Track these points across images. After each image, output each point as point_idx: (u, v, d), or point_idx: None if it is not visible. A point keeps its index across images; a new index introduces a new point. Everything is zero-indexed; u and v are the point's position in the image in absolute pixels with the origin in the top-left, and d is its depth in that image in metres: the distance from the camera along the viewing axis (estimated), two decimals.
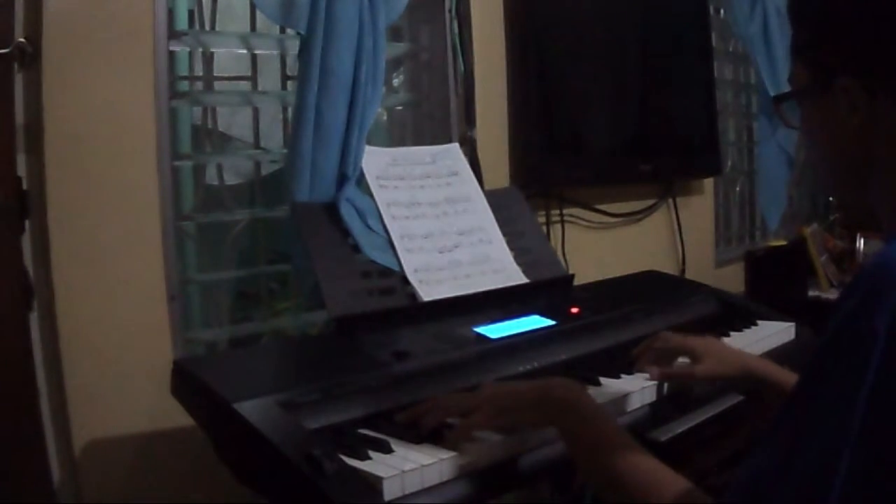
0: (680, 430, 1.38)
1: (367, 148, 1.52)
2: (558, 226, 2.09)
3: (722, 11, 2.83)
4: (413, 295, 1.41)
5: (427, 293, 1.41)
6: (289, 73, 1.72)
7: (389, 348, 1.20)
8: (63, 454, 1.32)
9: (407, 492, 0.91)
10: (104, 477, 1.34)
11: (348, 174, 1.47)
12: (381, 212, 1.47)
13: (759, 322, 1.60)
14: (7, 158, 1.28)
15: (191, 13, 1.68)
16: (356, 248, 1.41)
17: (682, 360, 1.28)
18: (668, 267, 2.41)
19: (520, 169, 1.99)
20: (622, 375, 1.27)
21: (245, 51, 1.66)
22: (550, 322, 1.40)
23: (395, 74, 1.97)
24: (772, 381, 1.18)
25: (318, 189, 1.46)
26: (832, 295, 2.85)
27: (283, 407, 0.99)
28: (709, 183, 2.70)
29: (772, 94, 2.61)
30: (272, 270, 1.70)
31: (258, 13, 1.65)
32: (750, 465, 0.71)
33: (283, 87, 1.73)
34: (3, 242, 1.28)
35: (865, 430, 0.63)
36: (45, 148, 1.28)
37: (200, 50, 1.60)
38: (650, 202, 2.41)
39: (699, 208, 2.64)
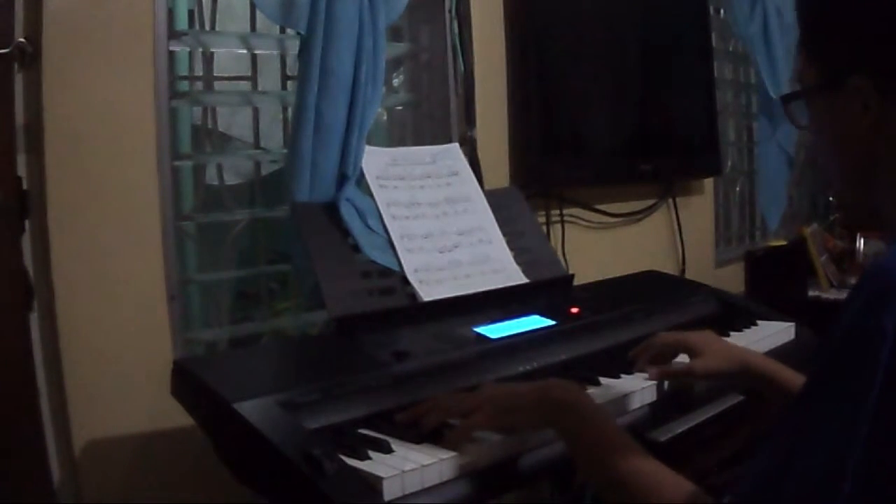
0: (680, 430, 1.38)
1: (367, 148, 1.52)
2: (558, 226, 2.09)
3: (722, 11, 2.83)
4: (413, 295, 1.41)
5: (427, 293, 1.41)
6: (289, 73, 1.72)
7: (389, 348, 1.20)
8: (63, 454, 1.32)
9: (407, 492, 0.91)
10: (104, 477, 1.34)
11: (348, 174, 1.47)
12: (381, 212, 1.47)
13: (759, 322, 1.60)
14: (7, 158, 1.28)
15: (191, 13, 1.68)
16: (356, 248, 1.41)
17: (680, 358, 1.28)
18: (668, 267, 2.41)
19: (520, 169, 1.99)
20: (622, 375, 1.26)
21: (245, 51, 1.66)
22: (550, 322, 1.40)
23: (395, 74, 1.97)
24: (771, 377, 1.17)
25: (318, 189, 1.46)
26: (832, 295, 2.85)
27: (283, 407, 0.99)
28: (709, 183, 2.70)
29: (772, 94, 2.62)
30: (272, 270, 1.70)
31: (258, 13, 1.65)
32: (756, 464, 0.71)
33: (283, 87, 1.73)
34: (3, 242, 1.28)
35: (875, 429, 0.63)
36: (45, 148, 1.28)
37: (200, 50, 1.60)
38: (650, 202, 2.41)
39: (699, 208, 2.64)
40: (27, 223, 1.30)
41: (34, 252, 1.31)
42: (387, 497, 0.89)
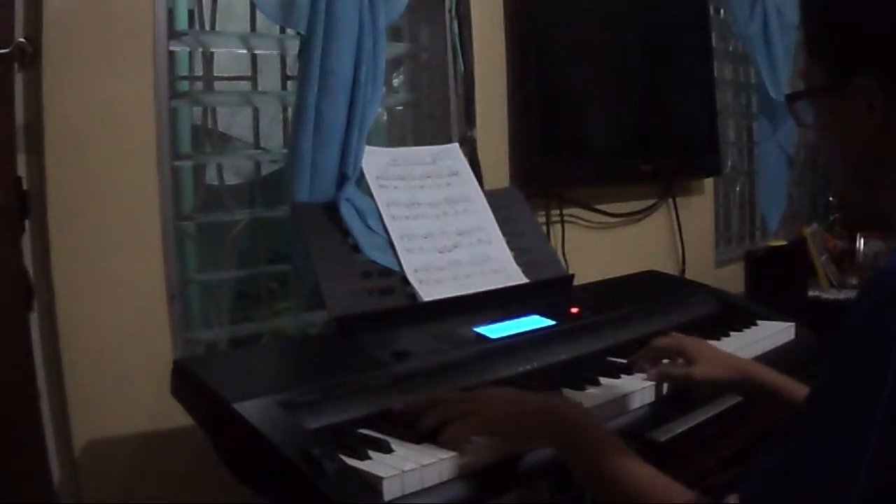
0: (680, 430, 1.38)
1: (367, 148, 1.52)
2: (558, 226, 2.09)
3: (722, 11, 2.83)
4: (413, 295, 1.41)
5: (427, 293, 1.41)
6: (289, 73, 1.72)
7: (389, 348, 1.20)
8: (63, 454, 1.32)
9: (407, 492, 0.91)
10: (104, 477, 1.34)
11: (348, 174, 1.47)
12: (381, 212, 1.47)
13: (759, 322, 1.60)
14: (7, 158, 1.28)
15: (191, 13, 1.68)
16: (356, 248, 1.41)
17: (679, 362, 1.28)
18: (668, 267, 2.41)
19: (520, 169, 1.99)
20: (622, 375, 1.26)
21: (245, 51, 1.66)
22: (550, 322, 1.40)
23: (395, 74, 1.97)
24: (768, 385, 1.18)
25: (318, 189, 1.46)
26: (832, 295, 2.85)
27: (283, 407, 0.99)
28: (709, 183, 2.70)
29: (772, 94, 2.62)
30: (272, 270, 1.70)
31: (258, 13, 1.65)
32: (764, 465, 0.71)
33: (283, 87, 1.73)
34: (3, 242, 1.28)
35: (885, 432, 0.64)
36: (45, 148, 1.28)
37: (200, 50, 1.60)
38: (650, 202, 2.41)
39: (699, 208, 2.64)
40: (27, 223, 1.30)
41: (34, 252, 1.31)
42: (387, 497, 0.89)
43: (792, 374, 1.19)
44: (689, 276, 2.38)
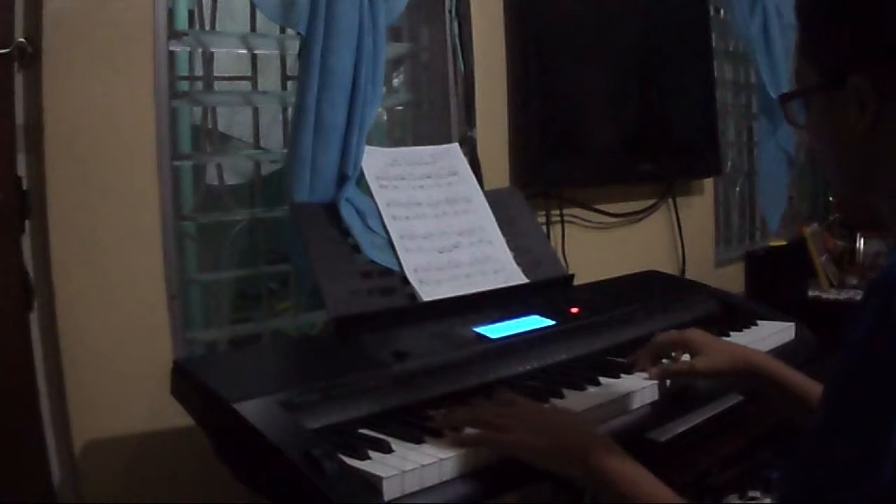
0: (680, 430, 1.38)
1: (367, 148, 1.52)
2: (558, 226, 2.09)
3: (722, 11, 2.83)
4: (413, 295, 1.41)
5: (427, 293, 1.41)
6: (289, 73, 1.72)
7: (389, 348, 1.20)
8: (63, 454, 1.32)
9: (407, 492, 0.91)
10: (104, 477, 1.34)
11: (348, 174, 1.47)
12: (381, 212, 1.47)
13: (759, 322, 1.60)
14: (7, 158, 1.28)
15: (191, 13, 1.67)
16: (356, 248, 1.41)
17: (683, 356, 1.27)
18: (668, 267, 2.41)
19: (520, 169, 1.99)
20: (622, 375, 1.26)
21: (245, 51, 1.66)
22: (550, 322, 1.40)
23: (395, 74, 1.97)
24: (773, 376, 1.17)
25: (318, 189, 1.46)
26: (832, 295, 2.85)
27: (283, 407, 0.99)
28: (709, 183, 2.70)
29: (772, 94, 2.62)
30: (272, 270, 1.70)
31: (258, 13, 1.65)
32: (791, 480, 0.71)
33: (283, 87, 1.73)
34: (3, 242, 1.28)
35: None
36: (45, 148, 1.28)
37: (200, 50, 1.60)
38: (650, 202, 2.41)
39: (699, 208, 2.64)
40: (27, 223, 1.30)
41: (34, 252, 1.31)
42: (387, 497, 0.89)
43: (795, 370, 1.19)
44: (689, 276, 2.38)
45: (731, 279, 2.71)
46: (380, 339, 1.24)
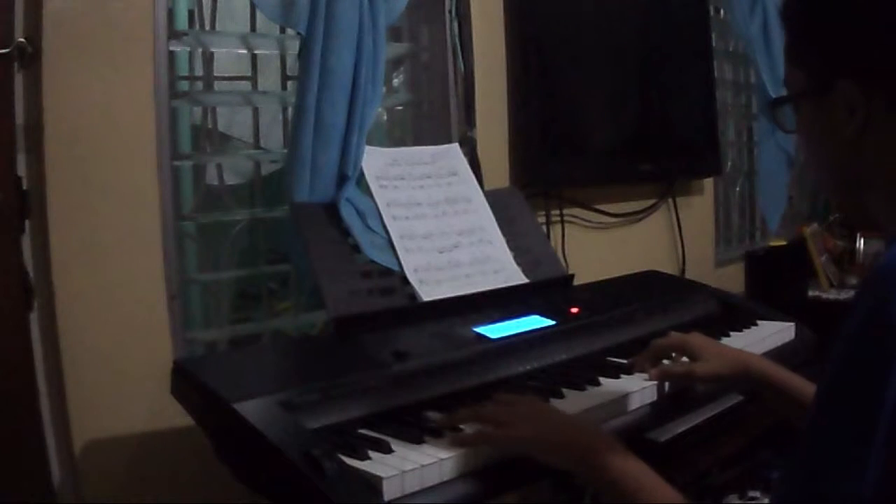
0: (680, 430, 1.38)
1: (367, 148, 1.52)
2: (558, 226, 2.09)
3: (722, 11, 2.83)
4: (413, 295, 1.41)
5: (427, 293, 1.41)
6: (289, 73, 1.72)
7: (389, 348, 1.20)
8: (63, 454, 1.32)
9: (407, 492, 0.91)
10: (104, 477, 1.34)
11: (348, 174, 1.47)
12: (381, 212, 1.47)
13: (759, 322, 1.60)
14: (7, 158, 1.28)
15: (191, 13, 1.68)
16: (356, 248, 1.41)
17: (682, 359, 1.28)
18: (668, 267, 2.41)
19: (520, 169, 1.99)
20: (622, 375, 1.27)
21: (245, 51, 1.66)
22: (550, 322, 1.40)
23: (395, 74, 1.97)
24: (771, 380, 1.18)
25: (318, 189, 1.46)
26: (832, 295, 2.86)
27: (283, 407, 0.99)
28: (709, 183, 2.70)
29: (772, 94, 2.62)
30: (272, 270, 1.70)
31: (258, 13, 1.65)
32: (785, 477, 0.72)
33: (283, 87, 1.73)
34: (3, 242, 1.28)
35: (894, 427, 0.64)
36: (45, 148, 1.28)
37: (200, 50, 1.60)
38: (650, 202, 2.41)
39: (699, 208, 2.64)
40: (27, 223, 1.30)
41: (34, 252, 1.31)
42: (387, 497, 0.89)
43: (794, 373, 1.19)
44: (689, 276, 2.38)
45: (731, 279, 2.71)
46: (380, 339, 1.24)
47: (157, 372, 1.21)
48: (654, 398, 1.23)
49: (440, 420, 1.05)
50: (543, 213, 2.03)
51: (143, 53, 1.39)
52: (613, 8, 2.21)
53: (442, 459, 0.95)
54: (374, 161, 1.52)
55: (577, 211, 2.16)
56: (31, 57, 1.28)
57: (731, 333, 1.52)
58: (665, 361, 1.27)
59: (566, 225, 2.11)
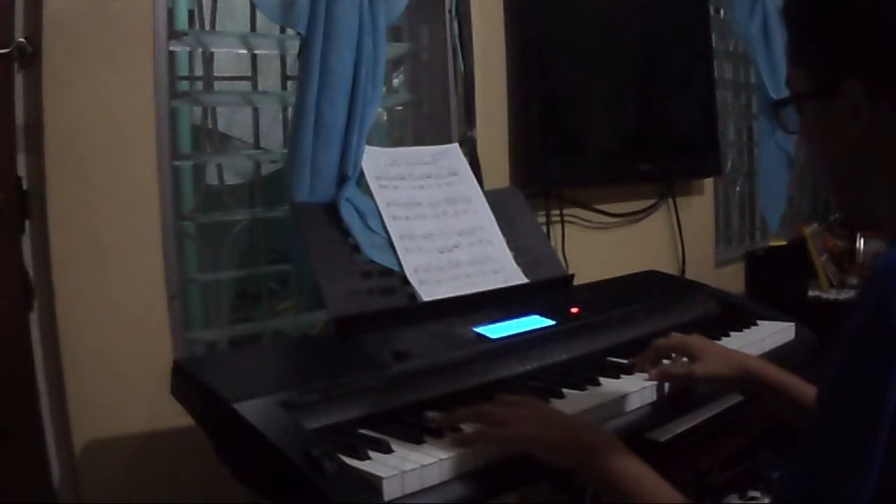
0: (680, 430, 1.38)
1: (367, 148, 1.52)
2: (558, 226, 2.09)
3: (722, 11, 2.83)
4: (413, 295, 1.41)
5: (427, 293, 1.41)
6: (289, 73, 1.72)
7: (389, 348, 1.20)
8: (63, 454, 1.32)
9: (407, 492, 0.91)
10: (104, 477, 1.34)
11: (348, 174, 1.47)
12: (381, 212, 1.47)
13: (759, 322, 1.60)
14: (7, 158, 1.28)
15: (191, 13, 1.68)
16: (356, 248, 1.41)
17: (682, 360, 1.28)
18: (668, 267, 2.41)
19: (520, 169, 1.99)
20: (622, 375, 1.26)
21: (245, 51, 1.66)
22: (550, 322, 1.40)
23: (395, 74, 1.97)
24: (770, 382, 1.18)
25: (318, 189, 1.46)
26: (832, 295, 2.86)
27: (283, 407, 0.99)
28: (709, 183, 2.70)
29: (772, 94, 2.62)
30: (272, 270, 1.70)
31: (258, 13, 1.65)
32: (786, 478, 0.72)
33: (283, 87, 1.73)
34: (3, 242, 1.28)
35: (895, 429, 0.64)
36: (45, 148, 1.28)
37: (200, 50, 1.60)
38: (650, 202, 2.41)
39: (699, 208, 2.64)
40: (27, 223, 1.30)
41: (34, 252, 1.31)
42: (387, 497, 0.89)
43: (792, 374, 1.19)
44: (689, 276, 2.38)
45: (731, 279, 2.71)
46: (380, 339, 1.24)
47: (157, 372, 1.21)
48: (654, 398, 1.23)
49: (440, 420, 1.05)
50: (543, 213, 2.03)
51: (143, 53, 1.39)
52: (613, 8, 2.21)
53: (442, 459, 0.95)
54: (374, 161, 1.52)
55: (577, 211, 2.16)
56: (31, 57, 1.28)
57: (731, 333, 1.52)
58: (665, 362, 1.27)
59: (566, 225, 2.11)
